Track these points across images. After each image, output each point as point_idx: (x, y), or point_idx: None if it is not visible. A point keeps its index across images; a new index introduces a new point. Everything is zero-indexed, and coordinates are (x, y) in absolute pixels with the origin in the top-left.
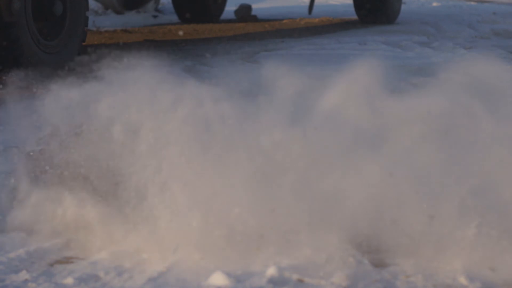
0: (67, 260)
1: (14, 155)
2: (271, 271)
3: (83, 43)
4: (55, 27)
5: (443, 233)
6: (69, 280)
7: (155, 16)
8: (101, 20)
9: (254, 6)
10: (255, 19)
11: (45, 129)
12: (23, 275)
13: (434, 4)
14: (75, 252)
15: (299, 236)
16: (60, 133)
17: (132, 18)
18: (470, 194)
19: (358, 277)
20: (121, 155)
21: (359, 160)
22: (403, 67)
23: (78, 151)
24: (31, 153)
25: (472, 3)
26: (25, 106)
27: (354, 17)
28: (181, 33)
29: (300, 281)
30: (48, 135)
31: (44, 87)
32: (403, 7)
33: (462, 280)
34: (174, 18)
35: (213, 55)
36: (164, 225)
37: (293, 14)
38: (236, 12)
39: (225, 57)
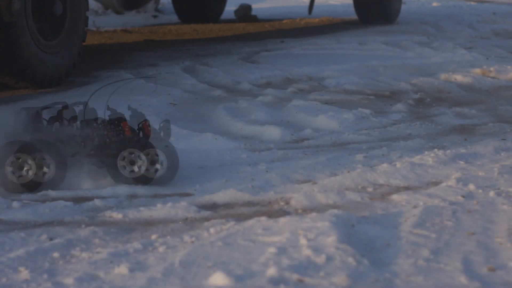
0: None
1: None
2: (271, 271)
3: (83, 43)
4: (55, 27)
5: None
6: (69, 280)
7: (155, 16)
8: (101, 20)
9: (254, 6)
10: (255, 19)
11: None
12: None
13: (434, 4)
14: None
15: None
16: None
17: (132, 18)
18: None
19: (358, 277)
20: None
21: None
22: (403, 67)
23: None
24: None
25: (472, 3)
26: None
27: (354, 17)
28: (181, 33)
29: (300, 281)
30: None
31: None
32: (403, 7)
33: (462, 280)
34: (174, 18)
35: (213, 55)
36: None
37: (293, 14)
38: (236, 12)
39: (225, 57)
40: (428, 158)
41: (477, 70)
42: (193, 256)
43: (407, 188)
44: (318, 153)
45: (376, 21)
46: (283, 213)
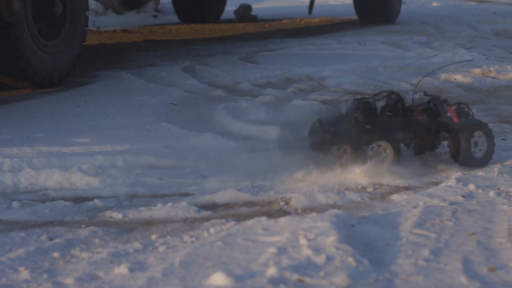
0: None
1: None
2: (271, 271)
3: (83, 43)
4: (55, 27)
5: None
6: (69, 280)
7: (155, 16)
8: (101, 20)
9: (254, 6)
10: (255, 19)
11: None
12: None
13: (434, 4)
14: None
15: None
16: None
17: (132, 18)
18: None
19: (358, 277)
20: None
21: None
22: (403, 67)
23: None
24: None
25: (472, 3)
26: None
27: (354, 17)
28: (181, 33)
29: (300, 281)
30: None
31: None
32: (403, 7)
33: (462, 280)
34: (174, 18)
35: (213, 55)
36: None
37: (293, 14)
38: (236, 12)
39: (225, 57)
40: (428, 158)
41: (477, 70)
42: (193, 256)
43: (407, 188)
44: None
45: (376, 21)
46: (283, 213)
